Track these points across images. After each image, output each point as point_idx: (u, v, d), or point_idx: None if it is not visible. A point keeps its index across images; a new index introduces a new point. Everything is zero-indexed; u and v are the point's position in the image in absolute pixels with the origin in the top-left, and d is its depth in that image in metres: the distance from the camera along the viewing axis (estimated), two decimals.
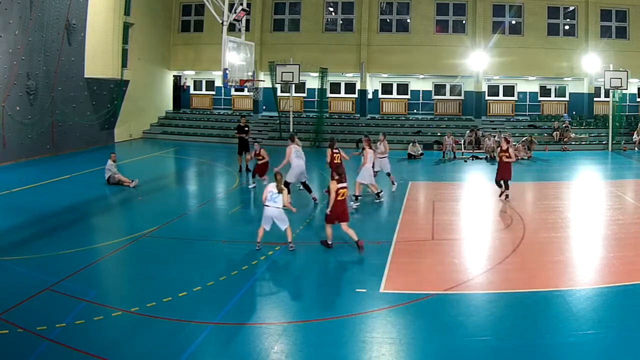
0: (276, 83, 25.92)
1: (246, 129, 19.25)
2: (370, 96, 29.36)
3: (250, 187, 16.10)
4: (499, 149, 15.01)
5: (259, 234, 10.20)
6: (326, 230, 10.39)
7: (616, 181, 17.86)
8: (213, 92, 32.09)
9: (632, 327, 7.05)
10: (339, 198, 10.16)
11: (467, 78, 28.39)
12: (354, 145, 25.49)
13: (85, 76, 23.05)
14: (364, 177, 13.89)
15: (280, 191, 9.95)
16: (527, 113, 29.43)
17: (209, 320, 7.32)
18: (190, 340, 6.76)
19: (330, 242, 10.41)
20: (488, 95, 29.66)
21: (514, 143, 23.09)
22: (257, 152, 15.40)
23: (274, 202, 9.93)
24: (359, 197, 14.06)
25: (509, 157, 14.26)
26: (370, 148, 14.05)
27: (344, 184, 10.27)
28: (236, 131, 19.42)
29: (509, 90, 29.85)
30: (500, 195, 14.56)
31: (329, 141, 14.53)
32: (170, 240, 10.99)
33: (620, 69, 24.29)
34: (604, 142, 25.66)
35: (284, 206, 10.06)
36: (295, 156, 14.01)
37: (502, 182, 14.56)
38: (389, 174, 15.65)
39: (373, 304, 7.87)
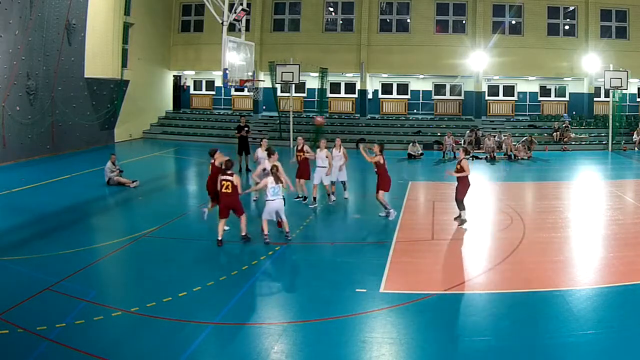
0: (276, 83, 25.93)
1: (246, 128, 19.25)
2: (370, 96, 29.36)
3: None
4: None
5: (264, 228, 10.46)
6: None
7: (616, 181, 17.85)
8: (213, 92, 32.08)
9: (632, 327, 7.05)
10: (223, 190, 10.33)
11: (467, 78, 28.39)
12: (354, 145, 25.61)
13: (85, 76, 23.05)
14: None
15: (277, 181, 10.31)
16: (527, 113, 29.43)
17: (209, 320, 7.32)
18: (190, 340, 6.76)
19: (220, 238, 10.49)
20: (488, 95, 29.66)
21: (513, 143, 23.19)
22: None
23: (277, 195, 10.28)
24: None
25: (459, 170, 11.76)
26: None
27: (227, 177, 10.32)
28: (236, 131, 19.42)
29: (509, 90, 29.85)
30: (458, 220, 12.05)
31: (380, 144, 12.85)
32: (170, 240, 10.99)
33: (620, 69, 24.28)
34: (604, 142, 25.66)
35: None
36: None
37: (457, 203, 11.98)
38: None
39: (373, 304, 7.87)
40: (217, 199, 10.76)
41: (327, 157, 13.56)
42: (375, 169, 12.56)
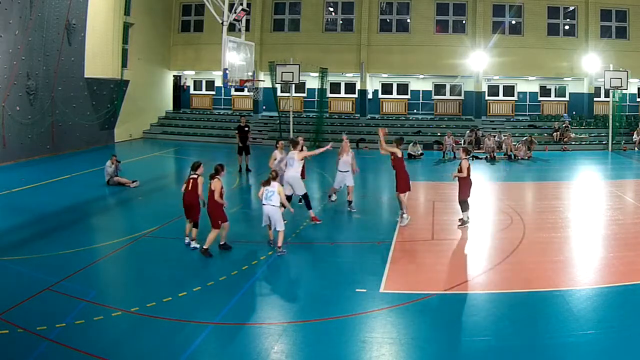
0: (276, 83, 25.92)
1: (246, 129, 19.21)
2: (370, 96, 29.37)
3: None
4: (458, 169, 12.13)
5: (269, 232, 10.31)
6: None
7: (616, 181, 17.85)
8: (213, 92, 32.09)
9: (632, 327, 7.05)
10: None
11: (467, 78, 28.39)
12: (355, 145, 25.61)
13: (85, 76, 23.05)
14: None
15: (266, 183, 9.96)
16: (527, 113, 29.44)
17: (209, 320, 7.32)
18: (190, 340, 6.76)
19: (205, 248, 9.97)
20: (488, 95, 29.66)
21: (513, 143, 23.17)
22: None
23: (269, 200, 9.87)
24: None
25: (460, 171, 11.76)
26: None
27: (210, 180, 9.84)
28: (236, 131, 19.39)
29: (509, 90, 29.85)
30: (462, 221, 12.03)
31: (398, 139, 12.49)
32: (170, 240, 10.98)
33: (620, 69, 24.29)
34: (604, 142, 25.66)
35: (281, 204, 10.01)
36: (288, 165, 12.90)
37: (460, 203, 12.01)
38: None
39: (373, 304, 7.87)
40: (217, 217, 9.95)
41: (350, 161, 13.24)
42: (393, 165, 12.10)
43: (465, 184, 11.83)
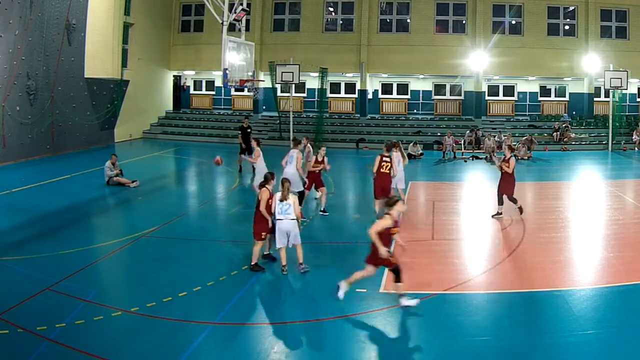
0: (276, 83, 25.94)
1: (248, 130, 19.21)
2: (370, 96, 29.37)
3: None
4: (501, 158, 12.86)
5: (281, 255, 9.14)
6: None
7: (616, 181, 17.85)
8: (213, 92, 32.11)
9: (632, 327, 7.05)
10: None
11: (467, 78, 28.39)
12: (354, 145, 25.66)
13: (85, 76, 23.06)
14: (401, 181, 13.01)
15: (284, 199, 8.82)
16: (527, 113, 29.44)
17: (209, 320, 7.32)
18: (190, 340, 6.76)
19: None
20: (488, 95, 29.66)
21: (513, 143, 23.15)
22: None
23: (287, 214, 8.77)
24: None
25: (509, 167, 12.38)
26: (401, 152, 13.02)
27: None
28: (240, 133, 19.33)
29: (509, 90, 29.85)
30: (495, 214, 12.67)
31: (389, 144, 12.49)
32: (170, 240, 10.99)
33: (620, 69, 24.30)
34: (604, 142, 25.66)
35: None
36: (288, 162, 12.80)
37: (501, 197, 12.65)
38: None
39: (373, 304, 7.88)
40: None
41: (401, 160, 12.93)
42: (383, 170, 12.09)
43: (511, 180, 12.48)
